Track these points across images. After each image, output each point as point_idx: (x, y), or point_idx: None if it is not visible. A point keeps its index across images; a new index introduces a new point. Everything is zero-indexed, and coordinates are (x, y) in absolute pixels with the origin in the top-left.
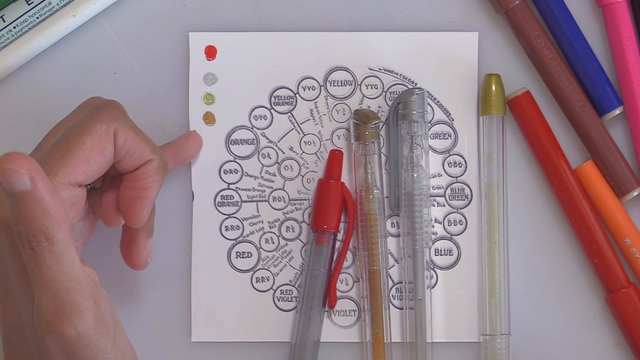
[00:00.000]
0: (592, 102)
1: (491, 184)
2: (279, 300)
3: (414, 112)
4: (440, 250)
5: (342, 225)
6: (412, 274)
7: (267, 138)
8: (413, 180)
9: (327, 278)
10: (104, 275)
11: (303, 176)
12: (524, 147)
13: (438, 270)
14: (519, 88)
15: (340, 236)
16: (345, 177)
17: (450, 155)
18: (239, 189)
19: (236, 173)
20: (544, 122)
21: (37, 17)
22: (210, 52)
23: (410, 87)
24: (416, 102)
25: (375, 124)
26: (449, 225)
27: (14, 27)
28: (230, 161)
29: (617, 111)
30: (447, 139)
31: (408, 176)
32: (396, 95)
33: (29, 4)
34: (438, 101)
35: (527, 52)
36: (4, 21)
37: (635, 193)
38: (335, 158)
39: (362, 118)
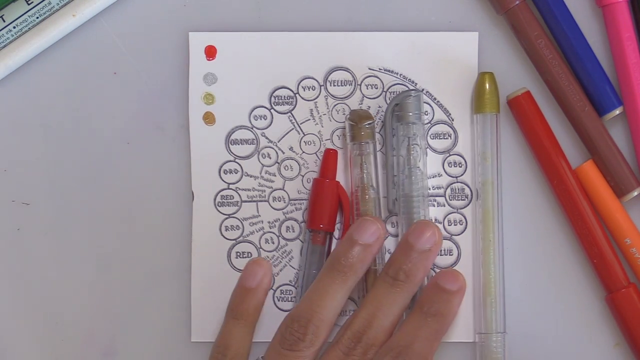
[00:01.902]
0: (592, 102)
1: (485, 183)
2: (279, 300)
3: (410, 114)
4: (440, 250)
5: (339, 224)
6: None
7: (267, 138)
8: (411, 181)
9: None
10: (104, 275)
11: (303, 176)
12: (522, 146)
13: (438, 270)
14: (519, 88)
15: (337, 235)
16: (344, 177)
17: (450, 155)
18: (239, 189)
19: (236, 173)
20: (544, 122)
21: (37, 17)
22: (210, 52)
23: (410, 87)
24: (413, 103)
25: (369, 124)
26: (449, 225)
27: (14, 27)
28: (230, 161)
29: (617, 111)
30: (447, 139)
31: (406, 177)
32: (394, 96)
33: (29, 4)
34: (438, 101)
35: (527, 52)
36: (4, 21)
37: (635, 193)
38: (329, 157)
39: (356, 118)
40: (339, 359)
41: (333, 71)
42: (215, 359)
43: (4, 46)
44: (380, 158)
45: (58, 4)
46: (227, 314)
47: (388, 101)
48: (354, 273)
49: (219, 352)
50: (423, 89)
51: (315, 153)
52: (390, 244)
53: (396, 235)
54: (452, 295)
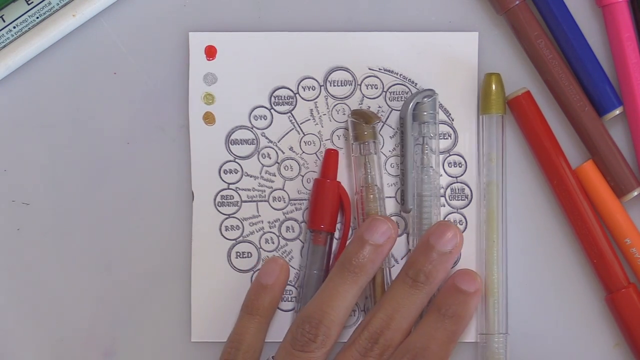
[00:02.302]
0: (592, 102)
1: (490, 183)
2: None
3: (426, 113)
4: None
5: (340, 225)
6: None
7: (267, 138)
8: (423, 181)
9: (324, 278)
10: (104, 275)
11: (303, 176)
12: (523, 146)
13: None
14: (519, 88)
15: (338, 235)
16: (345, 177)
17: (450, 155)
18: (239, 189)
19: (236, 173)
20: (544, 122)
21: (37, 17)
22: (210, 52)
23: (410, 87)
24: (429, 103)
25: (376, 124)
26: None
27: (14, 27)
28: (230, 161)
29: (617, 111)
30: (447, 139)
31: (419, 177)
32: (409, 96)
33: (29, 4)
34: (438, 101)
35: (527, 52)
36: (4, 21)
37: (635, 193)
38: (330, 157)
39: (364, 118)
40: (355, 359)
41: (333, 71)
42: (228, 353)
43: (4, 46)
44: (382, 158)
45: (58, 4)
46: (242, 310)
47: (388, 101)
48: (365, 273)
49: (232, 346)
50: (423, 89)
51: (315, 153)
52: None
53: (399, 235)
54: (469, 297)
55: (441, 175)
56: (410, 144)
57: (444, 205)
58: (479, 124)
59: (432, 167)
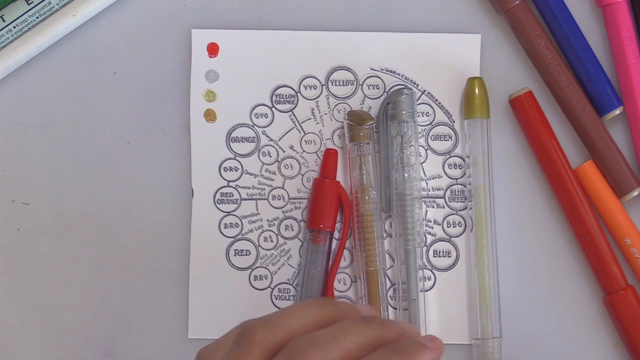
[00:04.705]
0: (592, 102)
1: (477, 187)
2: (276, 299)
3: (403, 112)
4: (439, 252)
5: (339, 224)
6: (405, 275)
7: (267, 136)
8: (404, 180)
9: (323, 277)
10: (104, 274)
11: (303, 175)
12: (521, 147)
13: (436, 272)
14: (520, 88)
15: (337, 235)
16: (343, 178)
17: (450, 156)
18: (239, 186)
19: (236, 171)
20: (546, 122)
21: (37, 17)
22: (213, 50)
23: (409, 87)
24: (405, 102)
25: (370, 124)
26: (448, 227)
27: (14, 27)
28: (231, 159)
29: (617, 111)
30: (448, 140)
31: (399, 176)
32: (386, 96)
33: (29, 4)
34: (439, 102)
35: (527, 52)
36: (4, 21)
37: (635, 193)
38: (330, 157)
39: (357, 119)
40: None
41: (335, 71)
42: None
43: (4, 46)
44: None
45: (58, 4)
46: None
47: None
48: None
49: None
50: (425, 90)
51: (316, 152)
52: (390, 244)
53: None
54: (424, 346)
55: (441, 176)
56: (383, 145)
57: (444, 207)
58: (462, 128)
59: (412, 166)
